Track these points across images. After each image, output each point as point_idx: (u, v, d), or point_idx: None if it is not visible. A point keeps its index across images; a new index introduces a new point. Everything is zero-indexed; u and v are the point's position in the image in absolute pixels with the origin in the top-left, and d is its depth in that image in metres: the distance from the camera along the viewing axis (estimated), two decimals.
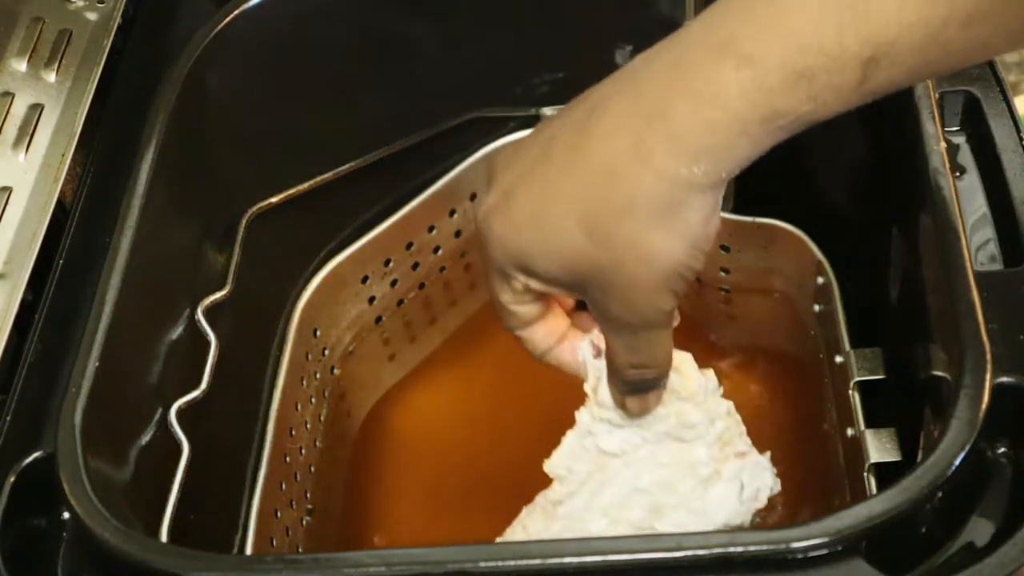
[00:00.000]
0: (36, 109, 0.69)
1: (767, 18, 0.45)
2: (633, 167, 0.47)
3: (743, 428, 0.61)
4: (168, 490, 0.57)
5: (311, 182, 0.76)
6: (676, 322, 0.54)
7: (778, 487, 0.61)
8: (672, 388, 0.58)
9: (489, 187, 0.52)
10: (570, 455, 0.60)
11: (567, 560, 0.47)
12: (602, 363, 0.57)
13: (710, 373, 0.60)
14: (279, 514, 0.69)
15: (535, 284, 0.52)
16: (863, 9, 0.44)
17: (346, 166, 0.78)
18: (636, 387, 0.56)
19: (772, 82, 0.45)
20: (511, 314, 0.55)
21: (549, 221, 0.49)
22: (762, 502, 0.61)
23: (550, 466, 0.61)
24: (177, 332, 0.64)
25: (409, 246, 0.82)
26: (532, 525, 0.62)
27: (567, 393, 0.61)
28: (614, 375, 0.56)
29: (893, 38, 0.44)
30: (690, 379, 0.58)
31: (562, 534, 0.61)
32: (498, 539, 0.63)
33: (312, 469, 0.74)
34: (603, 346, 0.57)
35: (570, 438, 0.60)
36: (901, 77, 0.45)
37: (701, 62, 0.46)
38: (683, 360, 0.58)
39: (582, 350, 0.58)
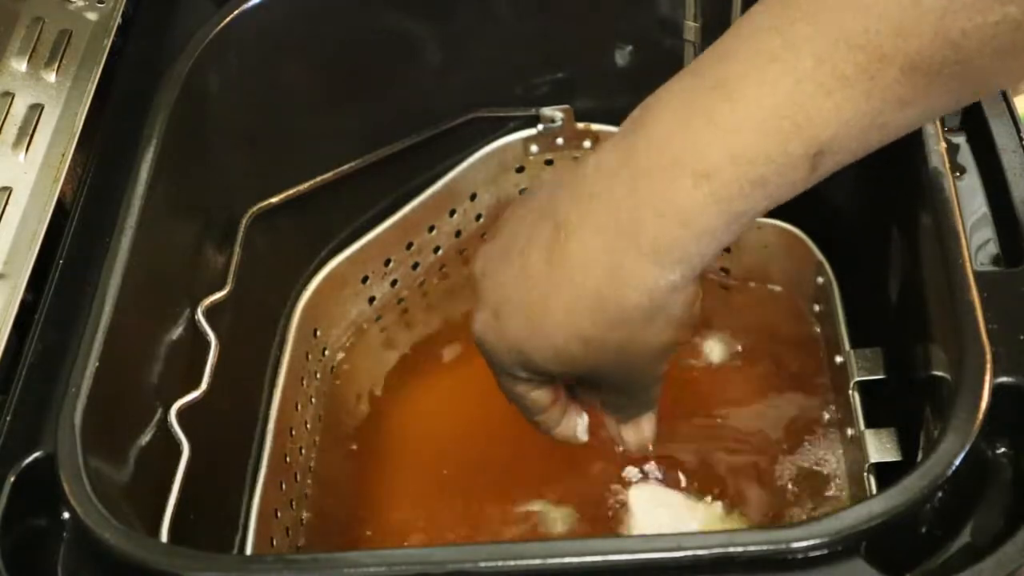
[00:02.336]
0: (36, 109, 0.68)
1: (710, 137, 0.47)
2: (614, 289, 0.50)
3: None
4: (168, 490, 0.57)
5: (311, 182, 0.76)
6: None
7: None
8: None
9: (477, 301, 0.55)
10: None
11: (567, 560, 0.47)
12: None
13: None
14: (279, 514, 0.69)
15: (537, 376, 0.56)
16: (802, 118, 0.45)
17: (346, 166, 0.78)
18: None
19: (729, 193, 0.47)
20: (527, 403, 0.59)
21: (543, 334, 0.53)
22: None
23: None
24: (177, 332, 0.64)
25: (409, 246, 0.82)
26: None
27: None
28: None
29: (834, 134, 0.46)
30: None
31: None
32: None
33: (312, 469, 0.74)
34: None
35: None
36: (848, 157, 0.47)
37: (657, 184, 0.48)
38: None
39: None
